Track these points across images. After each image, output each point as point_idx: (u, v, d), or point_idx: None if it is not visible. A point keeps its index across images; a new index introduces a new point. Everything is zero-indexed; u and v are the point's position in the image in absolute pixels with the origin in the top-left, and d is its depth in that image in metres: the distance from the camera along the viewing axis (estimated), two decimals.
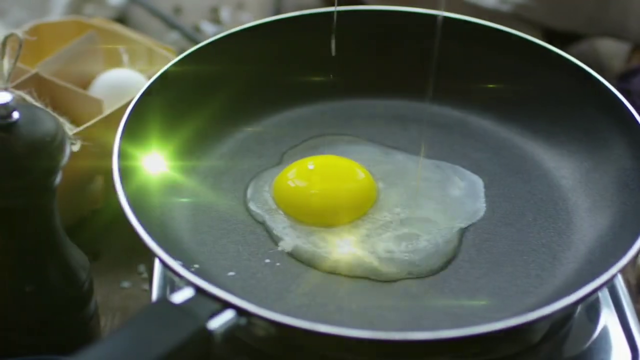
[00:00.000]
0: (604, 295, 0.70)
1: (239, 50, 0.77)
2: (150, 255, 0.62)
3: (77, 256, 0.69)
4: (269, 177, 0.73)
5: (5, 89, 0.76)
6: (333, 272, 0.66)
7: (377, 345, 0.58)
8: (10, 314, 0.68)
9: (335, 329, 0.56)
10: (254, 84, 0.78)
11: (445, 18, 0.74)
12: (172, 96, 0.74)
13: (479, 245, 0.68)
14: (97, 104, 0.79)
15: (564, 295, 0.60)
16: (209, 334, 0.55)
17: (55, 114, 0.71)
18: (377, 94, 0.80)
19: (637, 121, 0.71)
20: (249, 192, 0.72)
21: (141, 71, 0.86)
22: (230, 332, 0.57)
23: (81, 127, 0.76)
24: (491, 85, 0.79)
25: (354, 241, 0.68)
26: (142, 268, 0.79)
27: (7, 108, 0.61)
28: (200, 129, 0.74)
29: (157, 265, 0.70)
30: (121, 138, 0.67)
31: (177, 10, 1.10)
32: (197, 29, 1.07)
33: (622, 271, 0.61)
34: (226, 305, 0.57)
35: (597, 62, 1.01)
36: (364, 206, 0.70)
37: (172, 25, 1.05)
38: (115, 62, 0.87)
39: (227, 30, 0.78)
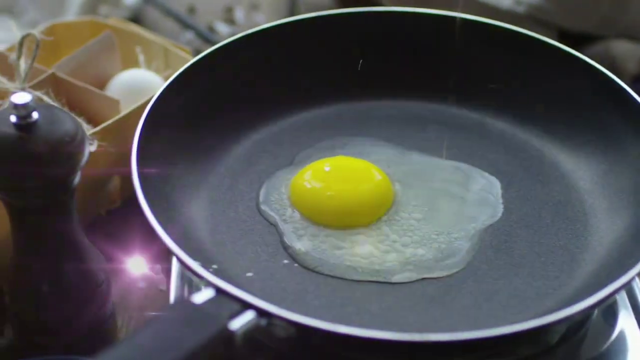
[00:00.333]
0: (622, 297, 0.69)
1: (255, 51, 0.78)
2: (167, 256, 0.62)
3: (94, 256, 0.69)
4: (285, 178, 0.73)
5: (23, 89, 0.76)
6: (351, 273, 0.66)
7: (396, 347, 0.58)
8: (28, 314, 0.68)
9: (357, 330, 0.57)
10: (270, 85, 0.78)
11: (462, 19, 0.73)
12: (189, 97, 0.74)
13: (497, 247, 0.68)
14: (115, 104, 0.79)
15: (582, 297, 0.60)
16: (231, 334, 0.55)
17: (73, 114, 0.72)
18: (394, 95, 0.80)
19: None
20: (265, 193, 0.72)
21: (157, 71, 0.86)
22: (250, 333, 0.57)
23: (98, 127, 0.76)
24: (507, 87, 0.79)
25: (372, 242, 0.68)
26: (159, 268, 0.79)
27: (27, 108, 0.61)
28: (217, 129, 0.74)
29: (174, 265, 0.70)
30: (139, 138, 0.67)
31: (191, 10, 1.10)
32: (211, 29, 1.07)
33: None
34: (247, 306, 0.57)
35: (611, 64, 1.00)
36: (381, 207, 0.70)
37: (187, 25, 1.05)
38: (131, 62, 0.87)
39: (241, 30, 0.78)
